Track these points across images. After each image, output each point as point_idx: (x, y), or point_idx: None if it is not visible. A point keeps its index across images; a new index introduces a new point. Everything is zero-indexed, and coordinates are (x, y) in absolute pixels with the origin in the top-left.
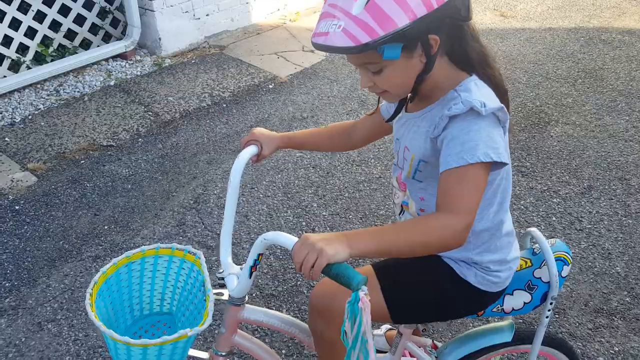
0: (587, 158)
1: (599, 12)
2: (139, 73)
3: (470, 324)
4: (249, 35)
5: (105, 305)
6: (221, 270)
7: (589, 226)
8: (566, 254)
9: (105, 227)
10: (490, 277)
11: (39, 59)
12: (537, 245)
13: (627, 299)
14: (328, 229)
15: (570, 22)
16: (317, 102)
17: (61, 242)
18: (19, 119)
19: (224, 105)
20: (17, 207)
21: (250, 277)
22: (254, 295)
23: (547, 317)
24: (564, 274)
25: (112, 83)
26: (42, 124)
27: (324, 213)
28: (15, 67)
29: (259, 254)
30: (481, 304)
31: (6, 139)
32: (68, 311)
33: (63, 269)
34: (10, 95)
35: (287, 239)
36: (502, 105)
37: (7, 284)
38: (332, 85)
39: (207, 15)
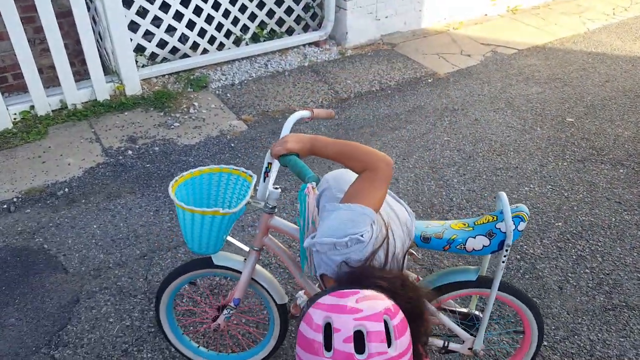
0: None
1: None
2: (326, 59)
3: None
4: (416, 37)
5: (187, 194)
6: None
7: None
8: (524, 214)
9: None
10: None
11: (255, 38)
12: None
13: None
14: (464, 201)
15: None
16: (468, 98)
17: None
18: (237, 81)
19: (389, 92)
20: (232, 145)
21: (264, 181)
22: None
23: (503, 261)
24: (520, 228)
25: (306, 64)
26: (254, 87)
27: (462, 188)
28: (237, 42)
29: (269, 163)
30: None
31: (227, 94)
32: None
33: None
34: (232, 63)
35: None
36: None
37: None
38: (484, 85)
39: (385, 17)
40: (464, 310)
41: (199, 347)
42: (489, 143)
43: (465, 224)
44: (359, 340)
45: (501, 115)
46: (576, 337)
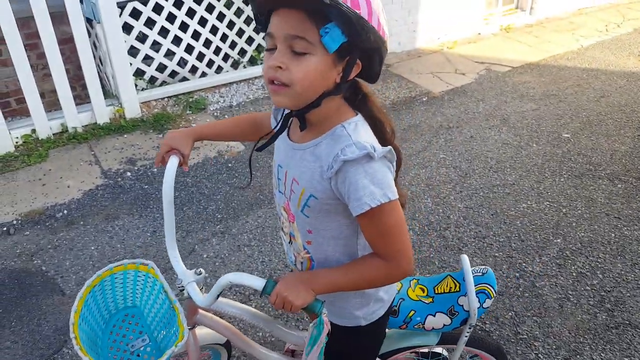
0: None
1: None
2: None
3: None
4: (411, 57)
5: (92, 313)
6: (180, 281)
7: None
8: (490, 288)
9: None
10: (375, 307)
11: (252, 61)
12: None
13: None
14: (461, 218)
15: None
16: (463, 115)
17: (258, 194)
18: (235, 103)
19: (384, 111)
20: (229, 165)
21: (217, 298)
22: None
23: (465, 336)
24: (485, 305)
25: None
26: (251, 109)
27: (459, 205)
28: (235, 65)
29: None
30: (382, 326)
31: (225, 116)
32: (259, 241)
33: (258, 212)
34: (230, 85)
35: (253, 281)
36: (390, 147)
37: (219, 216)
38: (479, 103)
39: None
40: (425, 350)
41: None
42: (485, 160)
43: (424, 290)
44: None
45: (496, 132)
46: (578, 356)
